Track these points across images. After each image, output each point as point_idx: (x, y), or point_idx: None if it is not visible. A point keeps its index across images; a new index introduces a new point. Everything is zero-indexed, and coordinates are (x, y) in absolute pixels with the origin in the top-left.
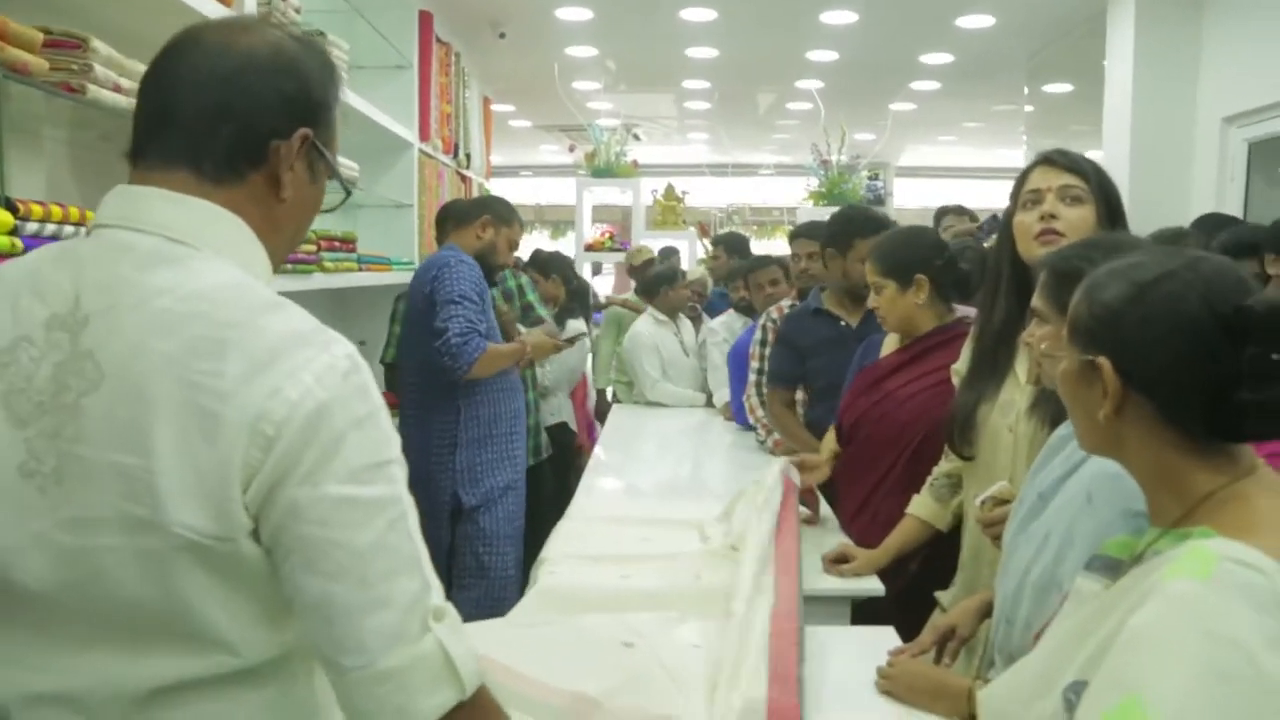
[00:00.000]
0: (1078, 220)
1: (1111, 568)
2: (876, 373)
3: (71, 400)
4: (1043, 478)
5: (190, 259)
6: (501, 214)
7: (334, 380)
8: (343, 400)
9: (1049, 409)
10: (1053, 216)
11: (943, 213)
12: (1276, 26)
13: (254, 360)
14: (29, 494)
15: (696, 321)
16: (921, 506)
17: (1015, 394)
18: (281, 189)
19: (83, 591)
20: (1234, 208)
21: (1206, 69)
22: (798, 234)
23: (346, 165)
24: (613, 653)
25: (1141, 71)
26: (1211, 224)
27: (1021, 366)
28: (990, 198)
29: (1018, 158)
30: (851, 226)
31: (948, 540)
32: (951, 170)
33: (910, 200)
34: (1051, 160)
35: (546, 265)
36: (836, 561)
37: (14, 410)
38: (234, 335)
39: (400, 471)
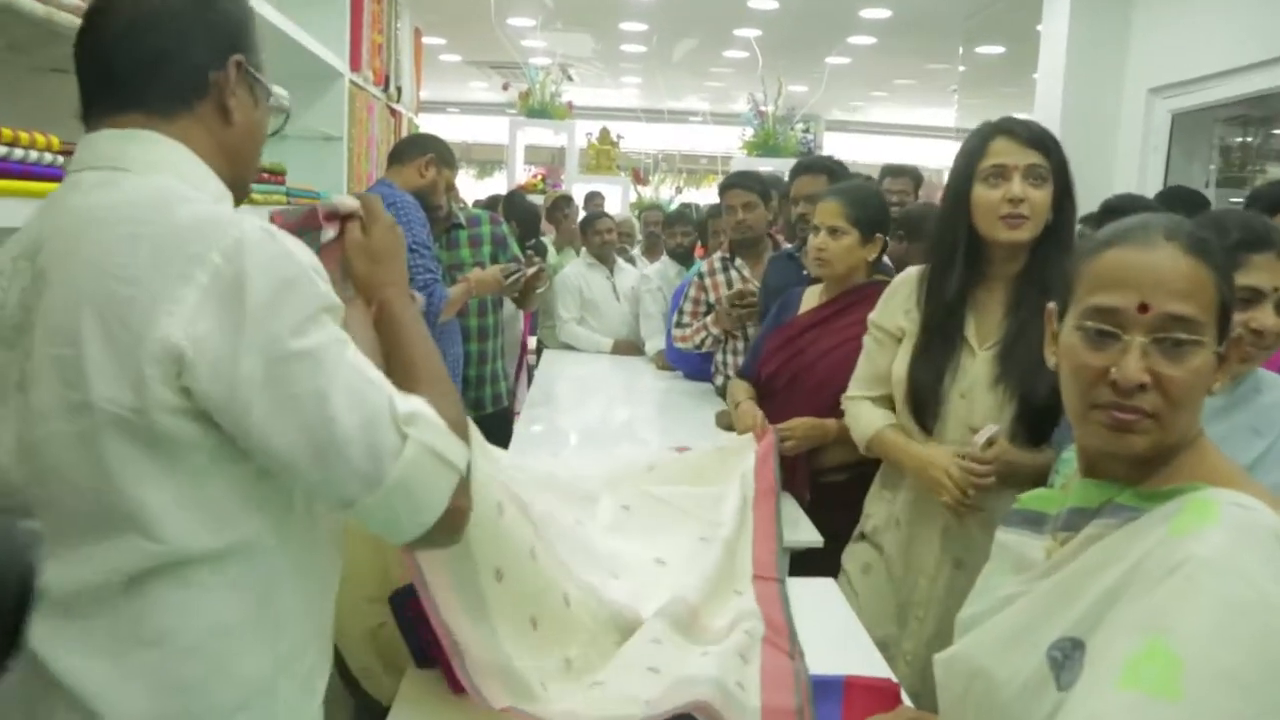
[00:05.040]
0: (1041, 202)
1: (1033, 521)
2: (796, 327)
3: (33, 318)
4: None
5: (124, 180)
6: (444, 155)
7: (247, 251)
8: (261, 267)
9: (1015, 384)
10: (1020, 200)
11: (886, 172)
12: (1203, 2)
13: (162, 247)
14: (15, 403)
15: (631, 264)
16: (883, 416)
17: (966, 359)
18: (229, 114)
19: (47, 484)
20: (1155, 176)
21: (1136, 40)
22: (731, 184)
23: (277, 93)
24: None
25: (1075, 40)
26: (1177, 199)
27: (972, 333)
28: (916, 155)
29: (947, 116)
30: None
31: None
32: (881, 126)
33: (839, 154)
34: (1013, 132)
35: (513, 212)
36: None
37: (2, 336)
38: (146, 229)
39: (331, 316)
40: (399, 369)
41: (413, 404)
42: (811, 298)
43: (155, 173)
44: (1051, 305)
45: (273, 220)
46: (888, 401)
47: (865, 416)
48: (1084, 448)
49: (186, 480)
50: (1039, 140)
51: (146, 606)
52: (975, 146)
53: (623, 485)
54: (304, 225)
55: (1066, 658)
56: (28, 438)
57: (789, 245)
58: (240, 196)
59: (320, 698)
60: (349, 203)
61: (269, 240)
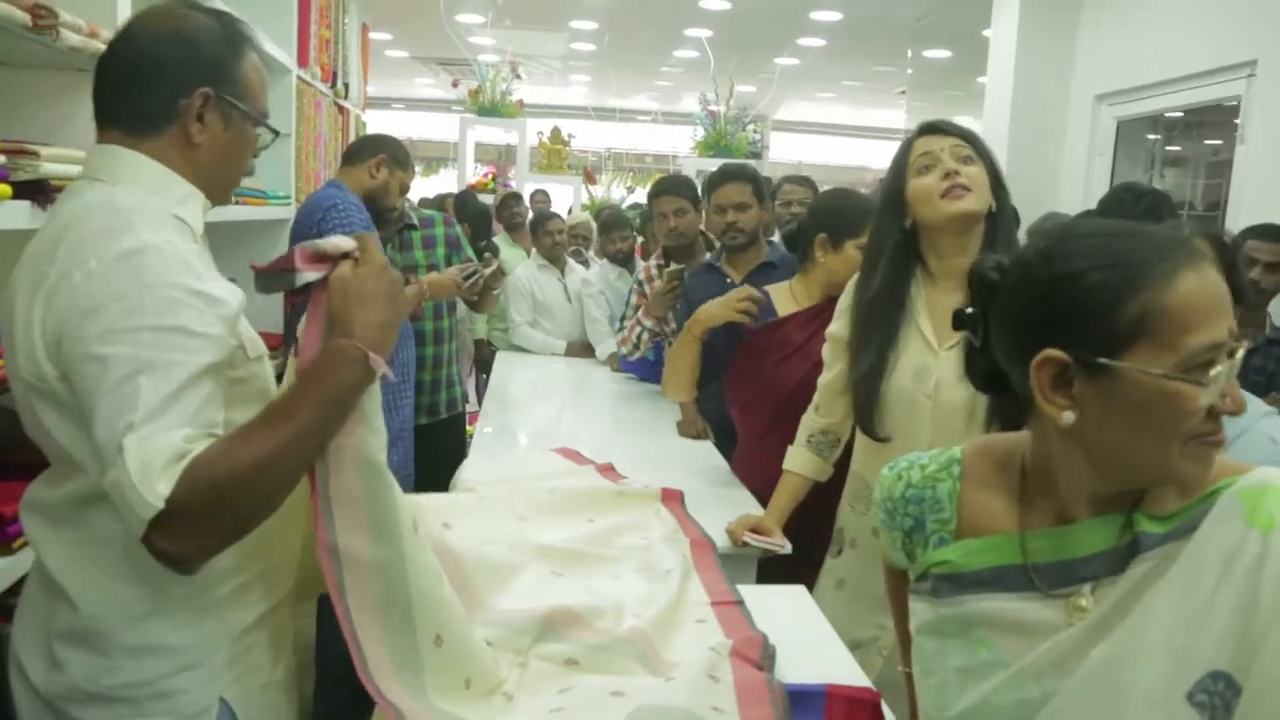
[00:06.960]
0: (978, 177)
1: (986, 582)
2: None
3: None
4: None
5: (92, 188)
6: (398, 155)
7: (109, 261)
8: (111, 277)
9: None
10: (956, 173)
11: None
12: (1147, 10)
13: (69, 251)
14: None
15: (585, 266)
16: (803, 462)
17: (929, 359)
18: (191, 137)
19: (31, 429)
20: (1101, 181)
21: (1082, 48)
22: (662, 190)
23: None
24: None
25: (1024, 47)
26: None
27: (928, 330)
28: (862, 155)
29: (893, 118)
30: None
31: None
32: (826, 126)
33: (784, 154)
34: (936, 128)
35: (464, 213)
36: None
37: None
38: (67, 235)
39: (156, 335)
40: (264, 411)
41: (135, 444)
42: (785, 297)
43: (121, 182)
44: (1056, 354)
45: (252, 267)
46: (828, 408)
47: (791, 451)
48: (1092, 489)
49: (85, 427)
50: (961, 131)
51: (96, 517)
52: (903, 150)
53: (550, 553)
54: (275, 267)
55: (1216, 695)
56: (14, 395)
57: (709, 255)
58: (217, 201)
59: (235, 631)
60: (342, 243)
61: (137, 254)
